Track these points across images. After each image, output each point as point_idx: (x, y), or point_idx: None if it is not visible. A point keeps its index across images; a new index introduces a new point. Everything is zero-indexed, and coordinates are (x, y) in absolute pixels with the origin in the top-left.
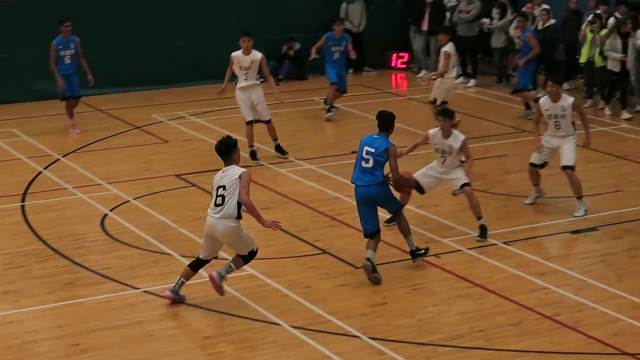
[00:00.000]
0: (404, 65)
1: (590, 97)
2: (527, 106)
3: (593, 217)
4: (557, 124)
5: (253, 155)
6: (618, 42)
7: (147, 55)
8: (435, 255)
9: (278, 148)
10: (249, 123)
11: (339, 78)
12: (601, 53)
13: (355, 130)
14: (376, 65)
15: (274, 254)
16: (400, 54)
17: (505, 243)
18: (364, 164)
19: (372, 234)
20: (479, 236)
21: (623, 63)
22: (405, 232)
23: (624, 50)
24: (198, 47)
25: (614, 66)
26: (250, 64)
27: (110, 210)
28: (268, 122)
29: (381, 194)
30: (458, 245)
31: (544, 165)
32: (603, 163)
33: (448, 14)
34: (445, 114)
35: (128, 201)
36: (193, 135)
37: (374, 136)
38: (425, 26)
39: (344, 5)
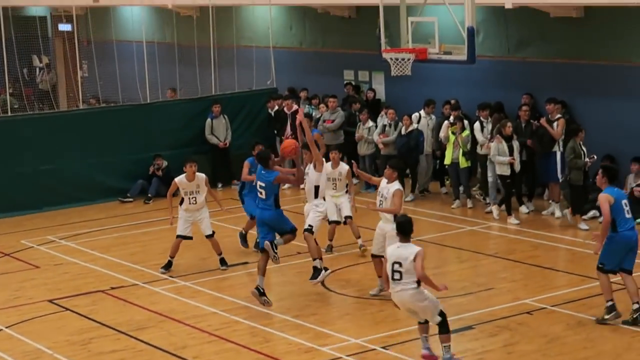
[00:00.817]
0: None
1: (457, 199)
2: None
3: (468, 316)
4: (380, 203)
5: (169, 265)
6: (504, 146)
7: (12, 181)
8: None
9: (222, 261)
10: (180, 237)
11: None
12: (464, 154)
13: (228, 245)
14: None
15: None
16: None
17: (383, 347)
18: (259, 195)
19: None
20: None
21: (511, 166)
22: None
23: (510, 153)
24: (64, 170)
25: (503, 171)
26: (197, 188)
27: None
28: (211, 236)
29: (273, 217)
30: (338, 352)
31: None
32: (474, 262)
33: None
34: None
35: (0, 330)
36: (64, 259)
37: (262, 172)
38: (288, 136)
39: (208, 120)
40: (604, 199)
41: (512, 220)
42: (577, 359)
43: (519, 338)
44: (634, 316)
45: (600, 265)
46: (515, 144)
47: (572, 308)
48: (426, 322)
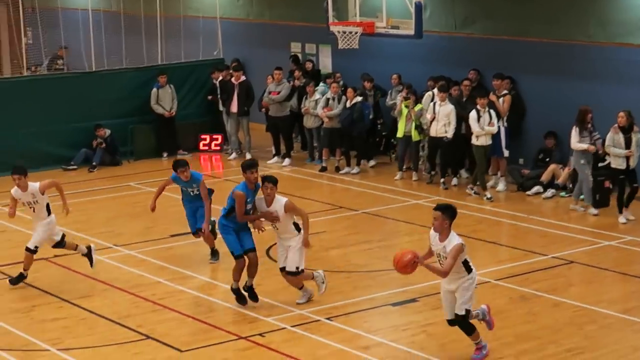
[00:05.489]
0: (218, 147)
1: (401, 170)
2: None
3: (412, 289)
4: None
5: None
6: (621, 137)
7: None
8: (260, 334)
9: (20, 276)
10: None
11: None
12: (417, 127)
13: (172, 214)
14: (190, 148)
15: (96, 342)
16: (214, 136)
17: (328, 319)
18: None
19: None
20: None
21: (627, 160)
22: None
23: (627, 146)
24: (6, 138)
25: (618, 164)
26: (33, 197)
27: None
28: (31, 251)
29: None
30: (282, 323)
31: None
32: (418, 235)
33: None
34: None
35: None
36: (7, 226)
37: None
38: (234, 108)
39: (154, 90)
40: None
41: (629, 216)
42: (519, 332)
43: None
44: None
45: None
46: (635, 136)
47: (515, 282)
48: None
